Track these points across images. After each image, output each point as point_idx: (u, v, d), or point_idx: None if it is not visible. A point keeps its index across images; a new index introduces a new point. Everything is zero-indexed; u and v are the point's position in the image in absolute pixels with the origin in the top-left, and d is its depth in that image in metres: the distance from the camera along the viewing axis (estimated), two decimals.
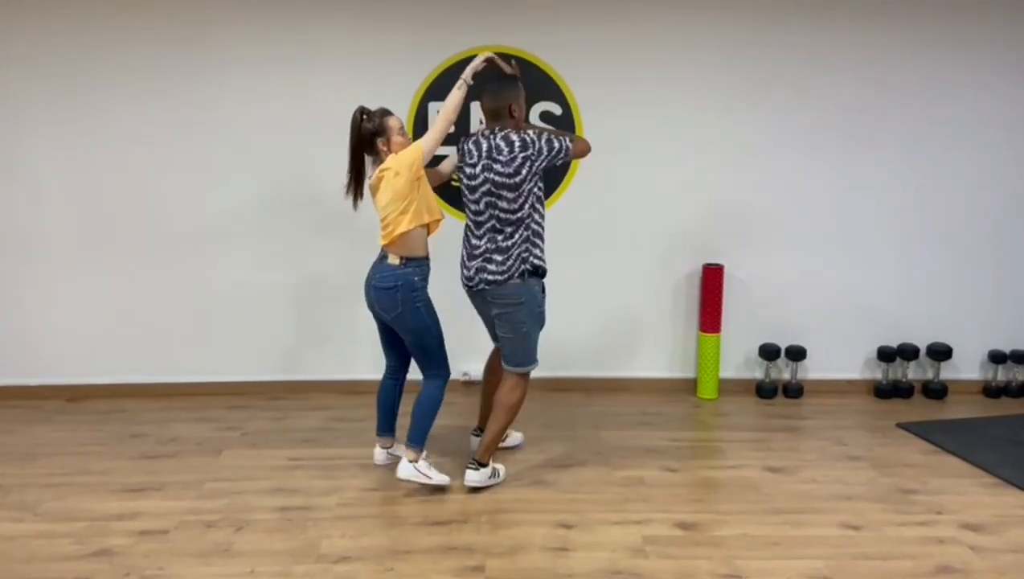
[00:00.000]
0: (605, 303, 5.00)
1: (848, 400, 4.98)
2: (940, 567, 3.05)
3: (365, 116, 3.57)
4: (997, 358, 5.05)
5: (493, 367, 3.95)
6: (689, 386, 5.08)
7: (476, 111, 4.74)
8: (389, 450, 3.93)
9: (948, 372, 5.10)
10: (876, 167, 4.90)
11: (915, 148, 4.90)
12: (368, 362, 4.98)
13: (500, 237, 3.54)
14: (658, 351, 5.10)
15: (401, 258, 3.55)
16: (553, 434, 4.28)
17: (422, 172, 3.52)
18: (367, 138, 3.55)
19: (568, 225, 4.78)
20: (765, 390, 5.01)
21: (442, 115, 3.53)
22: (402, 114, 4.73)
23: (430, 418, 3.65)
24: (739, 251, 4.94)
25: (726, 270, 4.90)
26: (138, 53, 4.62)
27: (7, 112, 4.65)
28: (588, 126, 4.74)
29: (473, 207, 3.60)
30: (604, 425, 4.49)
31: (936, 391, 5.02)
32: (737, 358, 5.09)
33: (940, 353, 4.99)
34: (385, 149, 3.55)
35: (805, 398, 5.01)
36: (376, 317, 3.75)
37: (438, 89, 4.70)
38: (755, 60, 4.77)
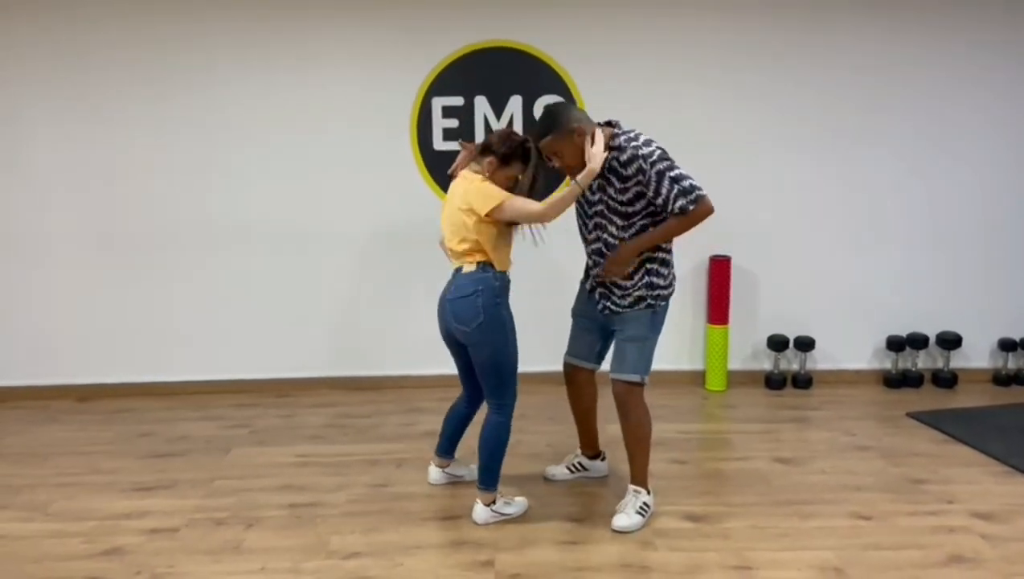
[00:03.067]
0: None
1: (857, 390, 4.96)
2: (951, 556, 3.04)
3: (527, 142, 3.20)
4: (1007, 346, 5.02)
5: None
6: (697, 378, 5.07)
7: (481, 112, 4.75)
8: (446, 470, 3.70)
9: (958, 361, 5.07)
10: (885, 158, 4.87)
11: (923, 140, 4.87)
12: (375, 358, 4.99)
13: None
14: (665, 343, 5.02)
15: (478, 264, 3.22)
16: (560, 428, 4.27)
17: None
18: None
19: (573, 219, 4.76)
20: (774, 381, 4.99)
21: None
22: (404, 111, 4.73)
23: (500, 457, 3.31)
24: (746, 242, 4.92)
25: (733, 262, 4.88)
26: (142, 53, 4.62)
27: (13, 113, 4.65)
28: (593, 118, 4.71)
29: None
30: (612, 417, 4.47)
31: (946, 380, 5.00)
32: (745, 349, 5.08)
33: (949, 342, 4.97)
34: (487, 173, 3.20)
35: (814, 389, 4.99)
36: (451, 342, 3.37)
37: (441, 85, 4.69)
38: (761, 55, 4.75)
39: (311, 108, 4.73)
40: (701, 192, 3.17)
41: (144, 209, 4.77)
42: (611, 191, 3.18)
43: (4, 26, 4.56)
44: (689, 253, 4.95)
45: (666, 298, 3.34)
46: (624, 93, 4.74)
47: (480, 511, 3.32)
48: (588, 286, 3.42)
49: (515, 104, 4.72)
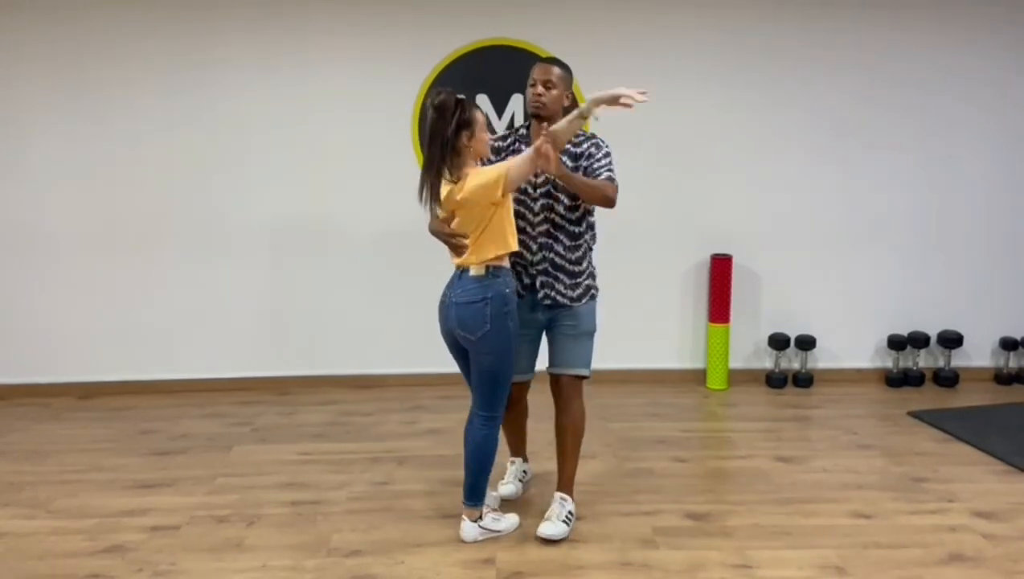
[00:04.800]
0: (613, 294, 4.96)
1: (859, 389, 4.96)
2: (952, 555, 3.04)
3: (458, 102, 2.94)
4: (1008, 345, 5.02)
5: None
6: (698, 376, 5.07)
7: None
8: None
9: (959, 360, 5.07)
10: (887, 157, 4.88)
11: (926, 139, 4.88)
12: (377, 356, 4.99)
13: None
14: (667, 342, 5.09)
15: (487, 267, 3.03)
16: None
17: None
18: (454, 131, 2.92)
19: None
20: (775, 380, 5.00)
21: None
22: (407, 109, 4.73)
23: (489, 471, 3.16)
24: (747, 241, 4.93)
25: (734, 260, 4.88)
26: (143, 51, 4.63)
27: (14, 113, 4.66)
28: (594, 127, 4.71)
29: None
30: (613, 416, 4.49)
31: (947, 379, 5.00)
32: (746, 348, 5.08)
33: (951, 341, 4.97)
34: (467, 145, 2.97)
35: (815, 387, 4.99)
36: (452, 343, 3.16)
37: (443, 83, 4.69)
38: (763, 53, 4.76)
39: (314, 106, 4.73)
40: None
41: (146, 207, 4.78)
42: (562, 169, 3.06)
43: (5, 25, 4.56)
44: (690, 252, 4.97)
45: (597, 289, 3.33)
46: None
47: (468, 529, 3.17)
48: (527, 278, 3.22)
49: (516, 102, 4.72)
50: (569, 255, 3.21)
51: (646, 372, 5.05)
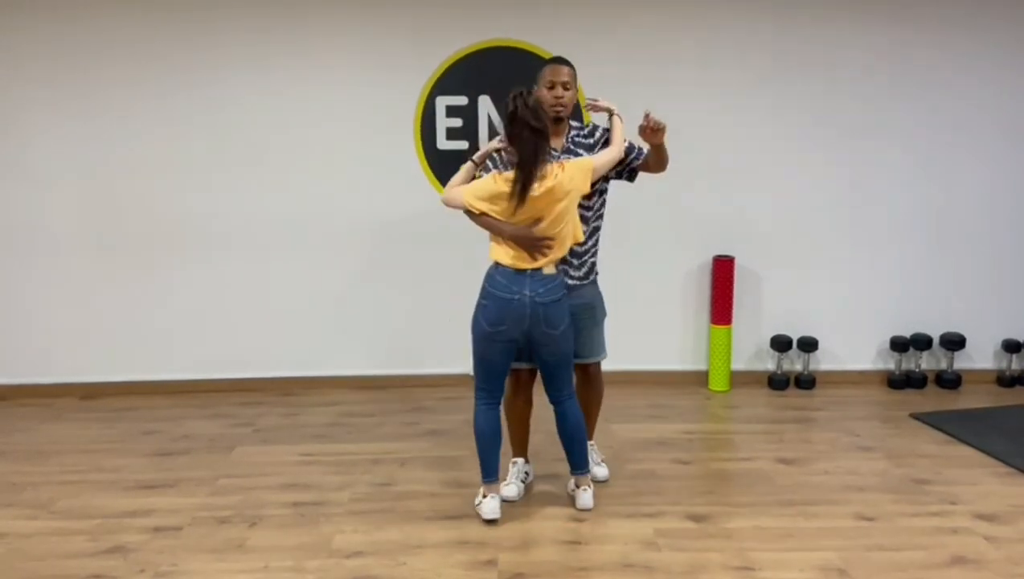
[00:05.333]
0: (615, 295, 4.93)
1: (861, 391, 4.96)
2: (954, 557, 3.04)
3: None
4: (1011, 347, 5.01)
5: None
6: (700, 378, 5.07)
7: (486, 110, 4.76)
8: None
9: (961, 362, 5.06)
10: (890, 158, 4.87)
11: (929, 140, 4.87)
12: (379, 358, 4.99)
13: None
14: (669, 343, 5.09)
15: (558, 264, 3.26)
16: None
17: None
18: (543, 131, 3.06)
19: None
20: (777, 382, 4.99)
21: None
22: (408, 110, 4.74)
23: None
24: (750, 242, 4.92)
25: (737, 262, 4.88)
26: (145, 51, 4.63)
27: (16, 112, 4.66)
28: (597, 119, 4.71)
29: None
30: (615, 418, 4.48)
31: (949, 381, 4.99)
32: (748, 350, 5.07)
33: (953, 343, 4.96)
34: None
35: (817, 389, 4.99)
36: (512, 341, 3.22)
37: (445, 85, 4.70)
38: (766, 54, 4.75)
39: (315, 107, 4.73)
40: None
41: (148, 207, 4.78)
42: None
43: (6, 25, 4.57)
44: (693, 253, 4.97)
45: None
46: (628, 92, 4.71)
47: (590, 497, 3.42)
48: None
49: None
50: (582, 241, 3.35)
51: (648, 373, 5.05)
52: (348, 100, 4.75)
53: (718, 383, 4.97)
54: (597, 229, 3.45)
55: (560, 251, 3.19)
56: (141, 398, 4.86)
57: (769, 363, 5.10)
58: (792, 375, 5.06)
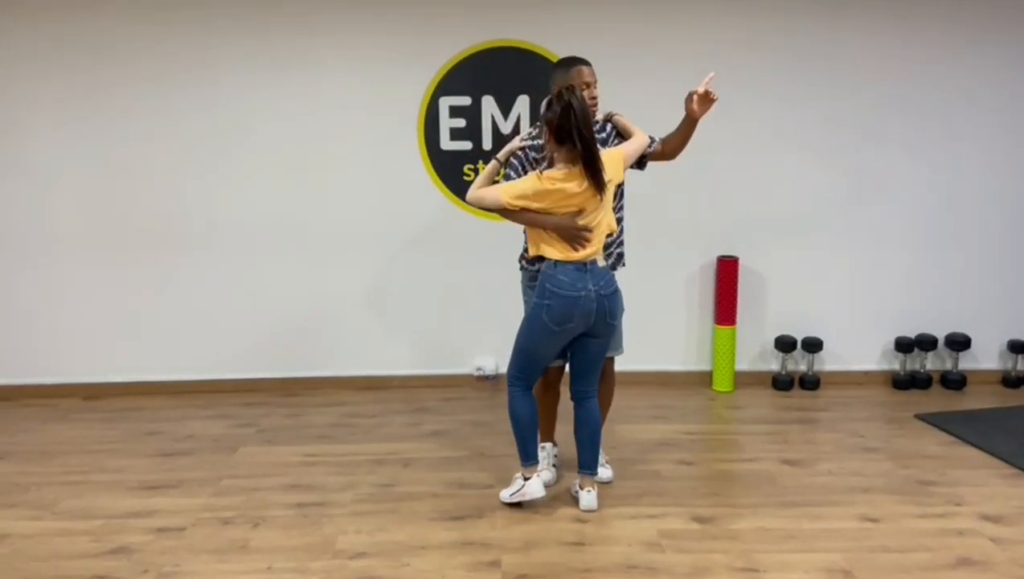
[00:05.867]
0: None
1: (865, 392, 4.95)
2: (959, 559, 3.03)
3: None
4: (1016, 348, 5.00)
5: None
6: (704, 379, 5.06)
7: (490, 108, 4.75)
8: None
9: (966, 362, 5.05)
10: (894, 158, 4.86)
11: (933, 140, 4.85)
12: (382, 358, 4.99)
13: None
14: (672, 344, 5.08)
15: (605, 257, 3.34)
16: (568, 428, 4.25)
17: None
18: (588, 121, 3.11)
19: None
20: (781, 382, 4.98)
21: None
22: (412, 111, 4.74)
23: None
24: (754, 243, 4.91)
25: (741, 262, 4.87)
26: (148, 50, 4.63)
27: (18, 111, 4.67)
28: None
29: None
30: (618, 419, 4.47)
31: (954, 382, 4.98)
32: (752, 350, 5.06)
33: (958, 343, 4.95)
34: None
35: (822, 390, 4.98)
36: (563, 336, 3.28)
37: (448, 85, 4.70)
38: (769, 53, 4.74)
39: (319, 107, 4.73)
40: None
41: (152, 208, 4.79)
42: None
43: (7, 26, 4.58)
44: (697, 253, 4.96)
45: None
46: (632, 92, 4.72)
47: (595, 497, 3.43)
48: None
49: (522, 104, 4.72)
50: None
51: (652, 374, 5.04)
52: (352, 100, 4.74)
53: (722, 384, 4.96)
54: (621, 220, 3.50)
55: (599, 242, 3.25)
56: (145, 399, 4.87)
57: (773, 364, 5.09)
58: (796, 376, 5.05)
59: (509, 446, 3.49)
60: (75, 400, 4.87)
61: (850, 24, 4.72)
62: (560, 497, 3.54)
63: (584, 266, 3.22)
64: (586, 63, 3.39)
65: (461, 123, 4.74)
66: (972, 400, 4.79)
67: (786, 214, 4.90)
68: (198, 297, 4.89)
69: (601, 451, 3.69)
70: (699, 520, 3.34)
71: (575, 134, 3.06)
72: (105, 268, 4.83)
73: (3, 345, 4.89)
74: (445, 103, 4.72)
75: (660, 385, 5.02)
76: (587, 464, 3.45)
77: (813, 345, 4.94)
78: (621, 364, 4.97)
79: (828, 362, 5.08)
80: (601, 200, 3.17)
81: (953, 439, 4.18)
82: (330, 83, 4.72)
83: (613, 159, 3.25)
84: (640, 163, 3.54)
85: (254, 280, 4.88)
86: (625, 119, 3.48)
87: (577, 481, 3.49)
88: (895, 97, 4.80)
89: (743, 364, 5.05)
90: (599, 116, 3.46)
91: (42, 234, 4.79)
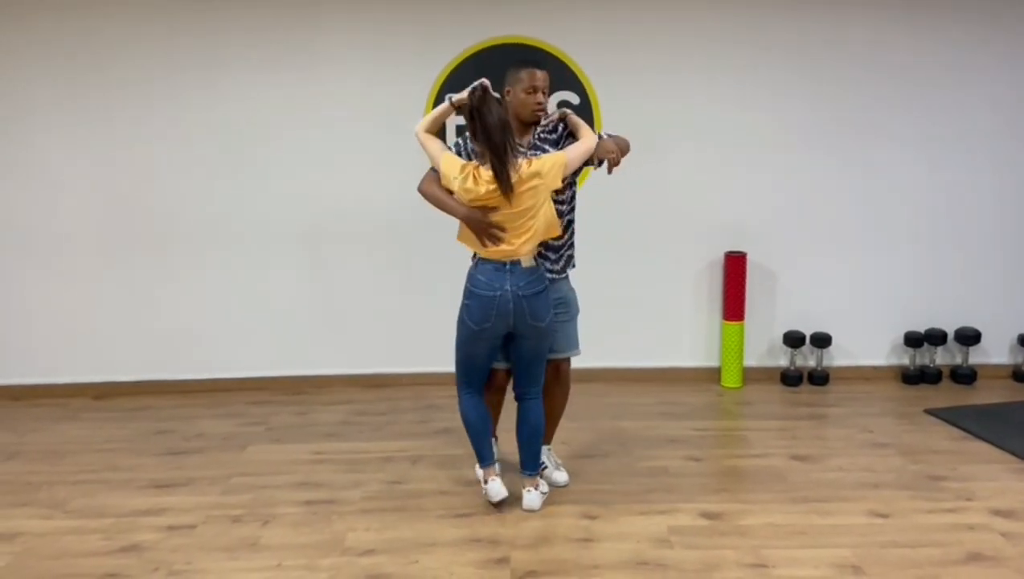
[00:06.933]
0: (627, 293, 4.97)
1: (875, 387, 4.93)
2: (970, 554, 3.02)
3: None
4: None
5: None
6: (713, 375, 5.05)
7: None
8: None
9: (976, 357, 5.03)
10: (903, 153, 4.84)
11: (942, 135, 4.83)
12: (390, 356, 4.99)
13: None
14: (681, 340, 5.07)
15: (535, 258, 3.29)
16: (575, 425, 4.27)
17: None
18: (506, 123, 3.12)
19: (589, 215, 4.75)
20: (790, 378, 4.97)
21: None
22: (419, 107, 4.73)
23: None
24: (762, 238, 4.90)
25: (749, 258, 4.86)
26: (152, 50, 4.64)
27: (24, 113, 4.68)
28: (607, 115, 4.71)
29: None
30: (627, 415, 4.47)
31: (964, 376, 4.95)
32: (761, 346, 5.05)
33: (968, 338, 4.92)
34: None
35: (831, 385, 4.96)
36: (495, 337, 3.28)
37: (455, 81, 4.69)
38: (777, 50, 4.72)
39: (324, 105, 4.73)
40: None
41: (160, 207, 4.80)
42: None
43: (11, 28, 4.59)
44: (705, 249, 4.95)
45: None
46: (638, 88, 4.73)
47: (536, 498, 3.40)
48: None
49: None
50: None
51: (660, 370, 5.03)
52: (357, 98, 4.74)
53: (731, 380, 4.95)
54: (571, 222, 3.44)
55: (523, 243, 3.17)
56: (154, 398, 4.88)
57: (782, 359, 5.08)
58: (805, 371, 5.03)
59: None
60: (85, 399, 4.89)
61: (861, 20, 4.70)
62: (570, 494, 3.54)
63: (504, 266, 3.20)
64: (540, 67, 3.31)
65: None
66: (982, 395, 4.77)
67: (794, 209, 4.89)
68: (207, 296, 4.90)
69: (552, 454, 3.72)
70: (708, 516, 3.33)
71: (481, 137, 3.08)
72: (113, 267, 4.85)
73: (13, 345, 4.91)
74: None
75: (668, 381, 5.01)
76: (526, 464, 3.45)
77: (822, 340, 4.93)
78: (629, 360, 5.01)
79: (837, 357, 5.06)
80: (511, 204, 3.10)
81: (963, 434, 4.16)
82: (336, 81, 4.72)
83: (553, 163, 3.15)
84: (600, 162, 3.35)
85: (262, 278, 4.89)
86: (575, 117, 3.37)
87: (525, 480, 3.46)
88: (905, 92, 4.78)
89: (751, 360, 5.04)
90: (552, 118, 3.39)
91: (50, 234, 4.80)
